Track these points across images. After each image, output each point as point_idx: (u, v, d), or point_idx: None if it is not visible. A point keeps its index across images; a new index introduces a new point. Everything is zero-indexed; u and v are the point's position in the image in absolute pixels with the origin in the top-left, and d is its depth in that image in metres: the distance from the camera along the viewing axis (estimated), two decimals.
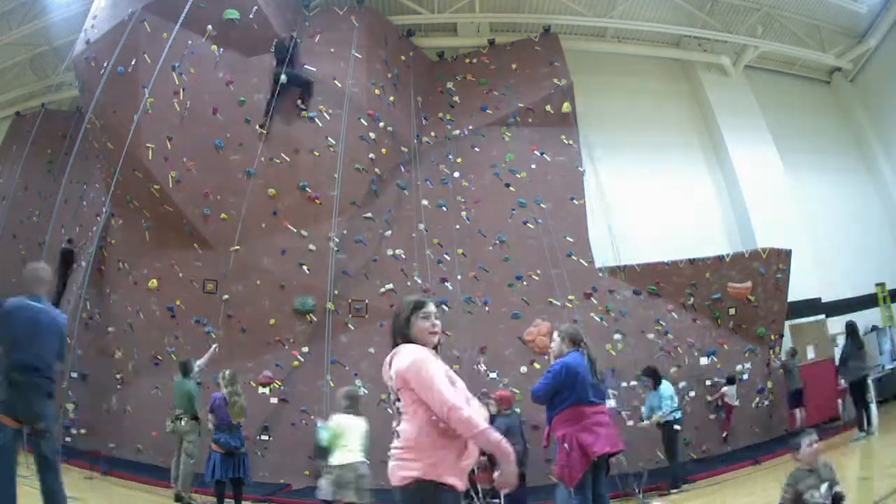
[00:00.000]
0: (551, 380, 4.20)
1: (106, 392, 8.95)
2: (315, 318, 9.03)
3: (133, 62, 8.64)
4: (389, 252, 9.73)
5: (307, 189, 9.27)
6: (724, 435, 9.08)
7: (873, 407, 8.50)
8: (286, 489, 8.03)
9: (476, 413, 2.37)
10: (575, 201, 10.13)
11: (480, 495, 6.08)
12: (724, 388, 9.06)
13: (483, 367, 8.91)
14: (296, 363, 8.94)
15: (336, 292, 9.03)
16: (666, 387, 7.69)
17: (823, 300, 10.94)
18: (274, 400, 8.68)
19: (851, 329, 8.60)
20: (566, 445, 4.14)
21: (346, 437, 5.40)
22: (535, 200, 10.03)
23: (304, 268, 9.11)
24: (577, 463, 4.06)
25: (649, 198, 11.25)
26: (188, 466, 6.78)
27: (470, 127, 10.73)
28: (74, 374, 8.93)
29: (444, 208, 10.13)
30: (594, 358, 4.35)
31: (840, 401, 10.11)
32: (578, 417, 4.17)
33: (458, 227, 9.94)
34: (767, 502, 5.85)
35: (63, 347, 4.11)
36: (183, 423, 6.94)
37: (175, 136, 8.89)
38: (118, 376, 9.02)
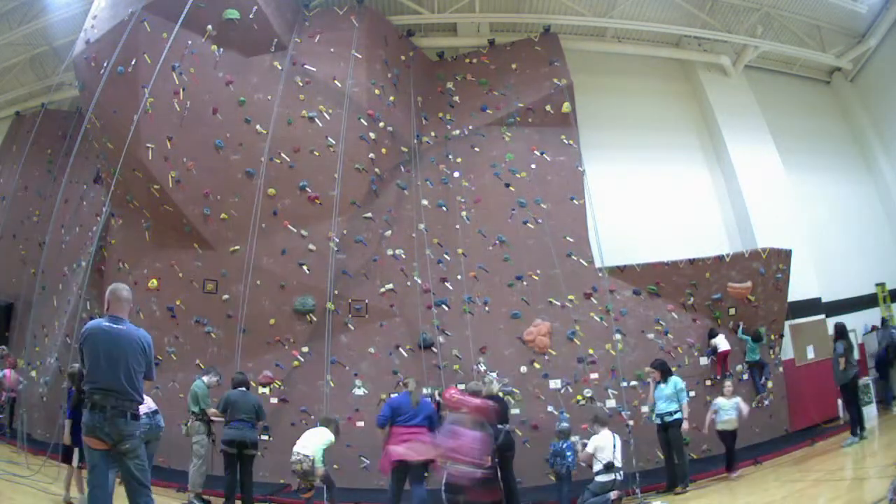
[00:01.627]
0: (385, 411, 6.46)
1: None
2: (315, 318, 9.03)
3: (133, 62, 8.64)
4: (389, 252, 9.74)
5: (307, 189, 9.28)
6: (717, 377, 9.16)
7: (865, 409, 8.47)
8: (286, 489, 8.02)
9: None
10: (575, 201, 10.13)
11: None
12: (714, 340, 9.26)
13: (483, 367, 8.91)
14: (296, 363, 8.94)
15: (336, 292, 9.03)
16: (677, 380, 7.54)
17: (823, 300, 10.94)
18: (274, 400, 8.69)
19: (841, 331, 8.54)
20: (384, 451, 6.25)
21: None
22: (535, 200, 10.04)
23: (304, 268, 9.12)
24: (386, 463, 6.14)
25: (649, 198, 11.25)
26: (195, 467, 6.78)
27: (470, 127, 10.74)
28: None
29: (444, 208, 10.13)
30: (414, 394, 6.49)
31: (840, 401, 10.12)
32: (395, 435, 6.23)
33: (458, 227, 9.94)
34: (767, 502, 5.86)
35: (150, 367, 4.08)
36: (189, 423, 6.98)
37: (175, 136, 8.89)
38: None
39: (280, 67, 9.55)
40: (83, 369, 3.95)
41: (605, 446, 6.74)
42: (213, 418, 6.98)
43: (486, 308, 9.42)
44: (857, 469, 6.90)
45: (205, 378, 7.17)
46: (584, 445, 6.94)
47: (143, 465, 3.82)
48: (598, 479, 6.66)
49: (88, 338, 3.87)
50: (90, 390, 3.77)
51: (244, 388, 7.00)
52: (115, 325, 3.93)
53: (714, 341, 9.31)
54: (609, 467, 6.61)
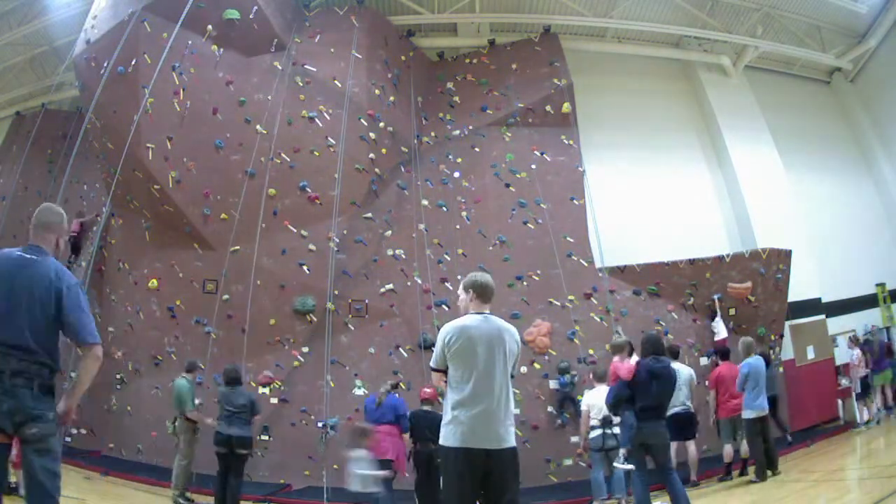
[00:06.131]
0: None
1: (106, 392, 8.94)
2: (315, 318, 9.03)
3: (133, 62, 8.64)
4: (389, 252, 9.74)
5: (307, 189, 9.28)
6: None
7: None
8: (286, 489, 8.03)
9: None
10: (575, 201, 10.13)
11: None
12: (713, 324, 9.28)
13: None
14: (296, 363, 8.94)
15: (336, 292, 9.03)
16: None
17: (823, 300, 10.93)
18: (274, 400, 8.68)
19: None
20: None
21: None
22: (536, 200, 10.04)
23: (304, 268, 9.12)
24: None
25: (649, 198, 11.24)
26: (179, 467, 6.76)
27: (470, 127, 10.74)
28: (74, 374, 8.93)
29: (445, 208, 10.13)
30: (380, 395, 6.47)
31: (840, 401, 10.13)
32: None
33: (458, 227, 9.94)
34: (767, 502, 5.86)
35: (68, 320, 2.64)
36: (177, 423, 6.96)
37: (175, 136, 8.89)
38: (118, 376, 9.01)
39: (280, 67, 9.55)
40: None
41: (596, 403, 6.69)
42: (191, 418, 6.93)
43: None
44: (858, 469, 6.89)
45: (188, 375, 7.20)
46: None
47: (54, 466, 2.56)
48: (591, 435, 6.65)
49: None
50: None
51: (235, 384, 6.48)
52: (24, 255, 2.67)
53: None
54: (605, 422, 6.53)
